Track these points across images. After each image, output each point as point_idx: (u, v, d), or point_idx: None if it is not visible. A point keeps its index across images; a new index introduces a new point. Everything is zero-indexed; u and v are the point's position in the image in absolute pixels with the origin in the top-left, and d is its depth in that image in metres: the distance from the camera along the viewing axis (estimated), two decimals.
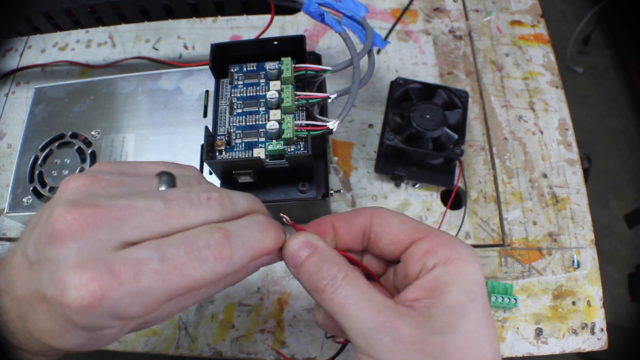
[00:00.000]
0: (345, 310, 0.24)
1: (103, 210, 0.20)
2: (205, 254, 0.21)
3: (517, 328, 0.44)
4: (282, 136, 0.35)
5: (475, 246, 0.47)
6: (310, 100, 0.36)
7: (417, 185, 0.50)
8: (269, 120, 0.36)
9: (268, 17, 0.45)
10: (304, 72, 0.36)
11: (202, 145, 0.35)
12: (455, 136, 0.47)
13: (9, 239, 0.50)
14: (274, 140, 0.35)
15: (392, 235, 0.27)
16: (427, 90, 0.50)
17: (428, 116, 0.47)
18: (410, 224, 0.26)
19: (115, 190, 0.22)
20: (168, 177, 0.24)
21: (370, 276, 0.28)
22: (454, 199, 0.50)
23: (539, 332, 0.44)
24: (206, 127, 0.36)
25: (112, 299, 0.19)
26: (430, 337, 0.22)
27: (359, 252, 0.29)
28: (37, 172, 0.45)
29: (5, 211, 0.44)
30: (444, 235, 0.26)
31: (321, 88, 0.42)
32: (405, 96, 0.50)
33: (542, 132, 0.52)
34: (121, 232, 0.20)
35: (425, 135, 0.47)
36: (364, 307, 0.24)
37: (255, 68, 0.38)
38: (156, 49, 0.59)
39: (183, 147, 0.44)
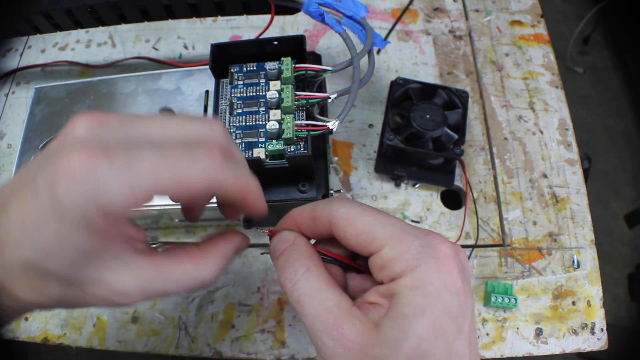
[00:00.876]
0: (300, 307, 0.24)
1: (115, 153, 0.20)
2: (200, 155, 0.21)
3: (517, 328, 0.44)
4: (282, 136, 0.35)
5: (475, 246, 0.47)
6: (310, 100, 0.36)
7: (417, 185, 0.50)
8: (269, 120, 0.36)
9: (268, 17, 0.45)
10: (304, 72, 0.36)
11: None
12: (455, 136, 0.47)
13: None
14: (274, 140, 0.35)
15: (354, 240, 0.25)
16: (427, 90, 0.50)
17: (428, 116, 0.47)
18: (374, 226, 0.24)
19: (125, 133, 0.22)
20: (169, 112, 0.24)
21: (358, 269, 0.27)
22: (454, 199, 0.50)
23: (539, 332, 0.44)
24: None
25: (101, 173, 0.19)
26: (372, 348, 0.21)
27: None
28: None
29: None
30: (408, 238, 0.23)
31: (321, 88, 0.42)
32: (405, 96, 0.50)
33: (542, 132, 0.52)
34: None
35: (425, 135, 0.47)
36: (316, 306, 0.23)
37: (255, 68, 0.38)
38: (156, 49, 0.59)
39: None
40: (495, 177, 0.50)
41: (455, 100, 0.49)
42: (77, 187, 0.19)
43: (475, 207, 0.49)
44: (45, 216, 0.19)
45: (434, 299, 0.22)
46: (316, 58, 0.45)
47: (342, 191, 0.49)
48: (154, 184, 0.20)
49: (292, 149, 0.35)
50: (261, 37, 0.46)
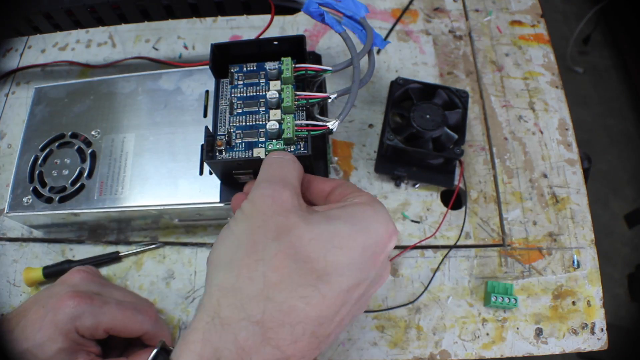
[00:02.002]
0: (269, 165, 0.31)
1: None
2: (140, 316, 0.38)
3: (517, 328, 0.44)
4: (282, 136, 0.35)
5: (475, 246, 0.47)
6: (310, 100, 0.36)
7: (417, 185, 0.50)
8: (269, 120, 0.36)
9: (268, 17, 0.45)
10: (304, 72, 0.36)
11: (202, 145, 0.35)
12: (455, 136, 0.47)
13: (9, 239, 0.50)
14: (274, 140, 0.35)
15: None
16: (427, 90, 0.50)
17: (428, 116, 0.47)
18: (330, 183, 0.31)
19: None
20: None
21: None
22: (454, 199, 0.50)
23: (539, 332, 0.44)
24: (206, 127, 0.36)
25: (82, 309, 0.34)
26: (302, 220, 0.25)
27: None
28: (37, 172, 0.45)
29: (5, 211, 0.44)
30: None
31: (321, 88, 0.42)
32: (405, 96, 0.50)
33: (542, 132, 0.52)
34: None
35: (425, 135, 0.47)
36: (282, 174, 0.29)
37: (255, 68, 0.38)
38: (156, 49, 0.59)
39: (183, 147, 0.44)
40: (495, 177, 0.50)
41: (455, 100, 0.49)
42: (68, 312, 0.34)
43: (466, 208, 0.49)
44: (47, 324, 0.33)
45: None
46: (316, 58, 0.45)
47: None
48: (111, 324, 0.35)
49: (292, 149, 0.35)
50: (261, 37, 0.46)
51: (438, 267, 0.46)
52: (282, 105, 0.35)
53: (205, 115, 0.45)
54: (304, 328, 0.23)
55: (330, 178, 0.32)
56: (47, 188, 0.44)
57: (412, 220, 0.48)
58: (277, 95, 0.35)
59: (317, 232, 0.24)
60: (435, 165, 0.48)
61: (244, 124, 0.37)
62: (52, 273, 0.46)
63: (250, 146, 0.36)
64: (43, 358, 0.33)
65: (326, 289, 0.23)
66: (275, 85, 0.37)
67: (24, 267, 0.47)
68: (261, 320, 0.22)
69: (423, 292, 0.45)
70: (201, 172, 0.42)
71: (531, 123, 0.53)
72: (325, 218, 0.25)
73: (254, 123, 0.36)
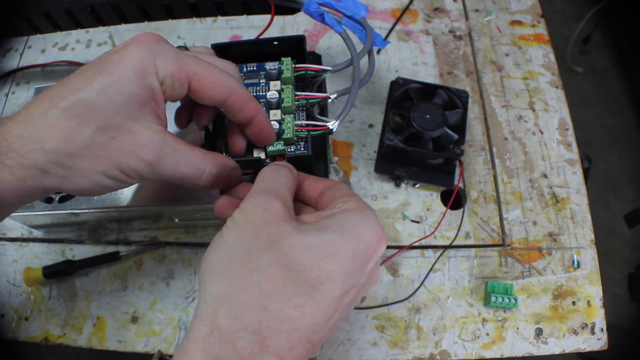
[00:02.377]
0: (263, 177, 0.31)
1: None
2: (227, 68, 0.32)
3: (517, 328, 0.44)
4: (282, 136, 0.35)
5: (475, 246, 0.47)
6: (310, 100, 0.36)
7: (417, 185, 0.50)
8: None
9: (268, 17, 0.45)
10: (304, 72, 0.36)
11: (202, 145, 0.35)
12: (455, 136, 0.47)
13: (9, 239, 0.50)
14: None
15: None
16: (427, 90, 0.50)
17: (428, 116, 0.47)
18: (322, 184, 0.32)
19: None
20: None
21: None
22: (454, 199, 0.50)
23: (539, 332, 0.44)
24: (206, 127, 0.36)
25: (162, 46, 0.28)
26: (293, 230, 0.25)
27: None
28: None
29: None
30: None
31: (321, 88, 0.42)
32: (405, 96, 0.50)
33: (542, 132, 0.52)
34: None
35: (425, 135, 0.47)
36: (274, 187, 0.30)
37: (255, 68, 0.38)
38: None
39: None
40: (495, 177, 0.50)
41: (455, 100, 0.49)
42: (151, 47, 0.28)
43: (464, 208, 0.49)
44: (114, 65, 0.27)
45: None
46: (316, 58, 0.45)
47: None
48: (194, 71, 0.29)
49: (292, 149, 0.35)
50: (261, 37, 0.46)
51: (432, 266, 0.46)
52: (282, 105, 0.35)
53: None
54: (300, 335, 0.23)
55: (323, 178, 0.32)
56: None
57: (412, 220, 0.48)
58: (277, 95, 0.35)
59: (309, 241, 0.25)
60: (436, 166, 0.48)
61: None
62: (52, 273, 0.46)
63: (250, 146, 0.36)
64: (112, 103, 0.26)
65: (320, 298, 0.24)
66: (275, 85, 0.37)
67: (24, 267, 0.47)
68: (259, 329, 0.22)
69: (419, 288, 0.45)
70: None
71: (531, 123, 0.53)
72: (316, 227, 0.26)
73: None
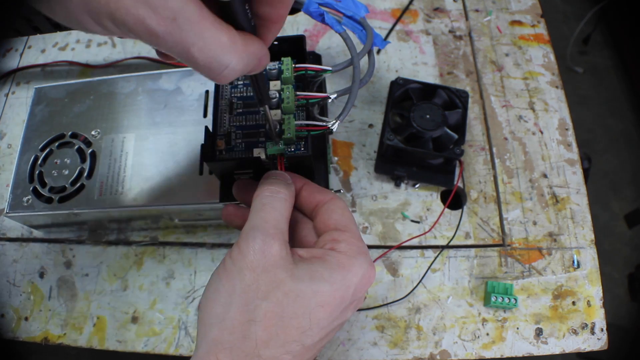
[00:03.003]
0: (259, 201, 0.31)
1: None
2: None
3: (517, 328, 0.44)
4: (282, 136, 0.35)
5: (475, 246, 0.47)
6: (310, 100, 0.36)
7: (417, 186, 0.50)
8: None
9: None
10: (304, 72, 0.36)
11: (202, 145, 0.35)
12: (455, 136, 0.47)
13: (9, 239, 0.50)
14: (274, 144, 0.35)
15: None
16: (427, 90, 0.50)
17: (428, 116, 0.47)
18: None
19: None
20: None
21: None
22: (454, 199, 0.50)
23: (539, 332, 0.44)
24: (206, 127, 0.36)
25: None
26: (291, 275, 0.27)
27: None
28: (37, 172, 0.45)
29: (5, 211, 0.44)
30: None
31: (321, 88, 0.42)
32: (405, 96, 0.50)
33: (542, 132, 0.52)
34: None
35: (425, 135, 0.47)
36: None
37: None
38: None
39: (183, 147, 0.44)
40: (495, 177, 0.50)
41: (455, 100, 0.49)
42: None
43: (463, 208, 0.49)
44: None
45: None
46: (316, 58, 0.45)
47: (342, 191, 0.49)
48: None
49: (292, 149, 0.35)
50: None
51: (431, 265, 0.46)
52: (282, 105, 0.35)
53: (205, 115, 0.45)
54: None
55: (320, 188, 0.33)
56: (47, 188, 0.44)
57: (412, 220, 0.48)
58: (277, 95, 0.35)
59: (302, 290, 0.26)
60: (435, 165, 0.48)
61: (244, 124, 0.37)
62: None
63: (250, 146, 0.36)
64: None
65: (308, 341, 0.27)
66: (275, 85, 0.37)
67: (24, 267, 0.47)
68: None
69: (417, 287, 0.45)
70: (201, 172, 0.42)
71: (531, 123, 0.53)
72: (309, 275, 0.27)
73: (254, 123, 0.36)
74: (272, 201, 0.30)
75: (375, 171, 0.50)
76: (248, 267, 0.26)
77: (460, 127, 0.48)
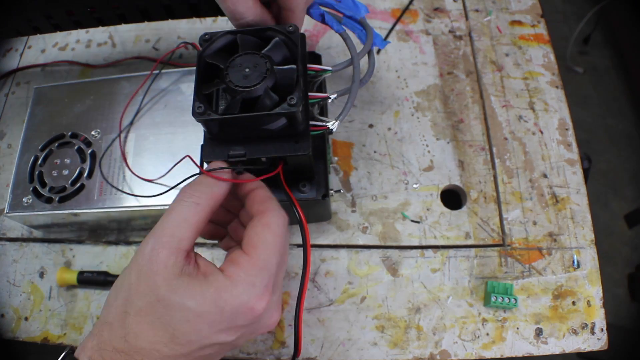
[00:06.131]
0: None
1: None
2: None
3: (517, 328, 0.44)
4: None
5: (475, 246, 0.47)
6: (310, 100, 0.36)
7: (416, 185, 0.50)
8: None
9: None
10: None
11: (202, 146, 0.35)
12: (276, 97, 0.33)
13: (9, 239, 0.50)
14: None
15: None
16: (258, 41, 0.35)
17: (247, 70, 0.33)
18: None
19: None
20: None
21: None
22: (454, 199, 0.50)
23: (539, 332, 0.44)
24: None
25: None
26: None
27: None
28: (37, 172, 0.45)
29: (5, 211, 0.44)
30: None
31: (321, 88, 0.42)
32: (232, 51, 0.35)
33: (542, 132, 0.52)
34: None
35: (237, 94, 0.32)
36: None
37: None
38: (156, 49, 0.59)
39: (183, 147, 0.44)
40: (495, 177, 0.50)
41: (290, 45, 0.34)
42: None
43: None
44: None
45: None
46: (316, 58, 0.45)
47: (342, 191, 0.49)
48: None
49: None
50: None
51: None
52: None
53: None
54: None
55: (266, 199, 0.32)
56: (47, 188, 0.44)
57: (412, 220, 0.48)
58: None
59: (172, 300, 0.28)
60: (278, 131, 0.34)
61: None
62: (86, 281, 0.46)
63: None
64: None
65: (177, 348, 0.28)
66: None
67: (24, 267, 0.47)
68: (126, 351, 0.28)
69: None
70: (201, 172, 0.42)
71: (531, 123, 0.53)
72: (184, 289, 0.28)
73: None
74: (179, 206, 0.30)
75: (204, 159, 0.35)
76: (135, 268, 0.29)
77: (297, 79, 0.33)
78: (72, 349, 0.30)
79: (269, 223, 0.31)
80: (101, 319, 0.30)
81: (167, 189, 0.36)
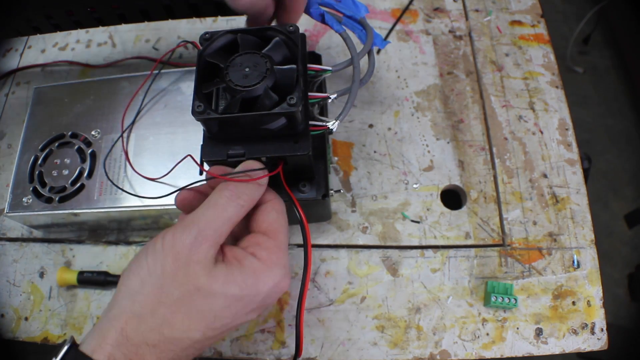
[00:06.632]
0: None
1: None
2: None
3: (517, 328, 0.44)
4: None
5: (475, 246, 0.47)
6: (310, 100, 0.36)
7: (416, 185, 0.50)
8: None
9: None
10: None
11: (202, 146, 0.35)
12: (276, 97, 0.33)
13: (9, 239, 0.50)
14: None
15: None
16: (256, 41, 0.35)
17: (247, 69, 0.33)
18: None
19: None
20: None
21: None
22: (454, 199, 0.50)
23: (539, 332, 0.44)
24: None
25: None
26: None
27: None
28: (37, 172, 0.45)
29: (5, 211, 0.44)
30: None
31: (321, 88, 0.42)
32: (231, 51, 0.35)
33: (542, 132, 0.52)
34: None
35: (238, 93, 0.32)
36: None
37: None
38: (156, 49, 0.59)
39: (183, 147, 0.44)
40: (495, 177, 0.50)
41: (290, 45, 0.35)
42: None
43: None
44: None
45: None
46: (316, 58, 0.45)
47: (342, 191, 0.49)
48: None
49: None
50: None
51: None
52: None
53: None
54: (191, 350, 0.30)
55: (267, 192, 0.34)
56: (47, 188, 0.44)
57: (412, 220, 0.48)
58: None
59: (214, 289, 0.29)
60: (278, 131, 0.34)
61: None
62: (86, 281, 0.46)
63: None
64: None
65: (209, 333, 0.29)
66: None
67: (23, 267, 0.47)
68: (157, 345, 0.28)
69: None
70: (201, 172, 0.42)
71: (531, 123, 0.53)
72: (225, 277, 0.29)
73: None
74: (228, 204, 0.30)
75: (204, 158, 0.35)
76: (173, 255, 0.28)
77: (297, 80, 0.33)
78: (74, 343, 0.29)
79: (279, 209, 0.33)
80: (121, 310, 0.28)
81: (171, 191, 0.36)
